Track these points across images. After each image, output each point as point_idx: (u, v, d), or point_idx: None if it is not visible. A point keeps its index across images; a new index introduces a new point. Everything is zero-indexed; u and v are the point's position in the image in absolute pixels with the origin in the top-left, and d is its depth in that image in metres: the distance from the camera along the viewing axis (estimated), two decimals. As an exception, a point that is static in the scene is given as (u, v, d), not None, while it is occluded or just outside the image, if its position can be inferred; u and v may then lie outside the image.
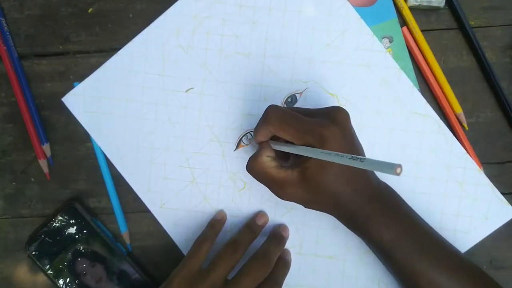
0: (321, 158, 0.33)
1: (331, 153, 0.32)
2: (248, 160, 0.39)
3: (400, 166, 0.25)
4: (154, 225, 0.46)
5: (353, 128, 0.39)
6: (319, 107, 0.39)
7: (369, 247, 0.40)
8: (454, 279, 0.38)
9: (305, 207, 0.39)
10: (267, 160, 0.38)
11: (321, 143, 0.35)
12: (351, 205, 0.37)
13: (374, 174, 0.40)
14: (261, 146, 0.39)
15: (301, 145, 0.36)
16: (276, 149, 0.39)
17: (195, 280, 0.39)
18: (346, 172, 0.36)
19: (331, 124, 0.36)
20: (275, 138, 0.40)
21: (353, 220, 0.38)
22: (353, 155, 0.29)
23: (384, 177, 0.43)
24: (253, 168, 0.39)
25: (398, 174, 0.25)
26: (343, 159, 0.30)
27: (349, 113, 0.38)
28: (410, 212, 0.40)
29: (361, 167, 0.28)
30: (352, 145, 0.37)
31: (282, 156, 0.41)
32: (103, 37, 0.45)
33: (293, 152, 0.37)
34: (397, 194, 0.41)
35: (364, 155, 0.39)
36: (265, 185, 0.39)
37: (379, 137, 0.45)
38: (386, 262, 0.40)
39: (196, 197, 0.45)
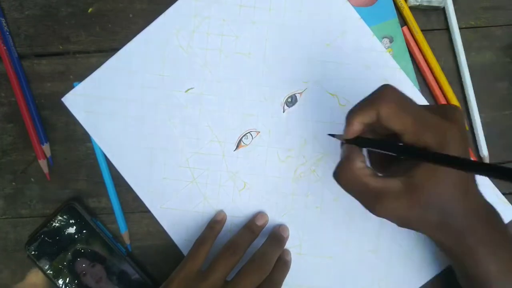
0: (439, 163, 0.26)
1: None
2: (337, 167, 0.32)
3: None
4: (154, 225, 0.46)
5: (466, 133, 0.33)
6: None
7: (464, 280, 0.35)
8: None
9: (399, 225, 0.32)
10: (362, 167, 0.31)
11: (441, 145, 0.29)
12: (461, 227, 0.31)
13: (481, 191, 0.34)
14: (349, 150, 0.32)
15: (412, 142, 0.29)
16: (369, 150, 0.33)
17: (194, 282, 0.38)
18: (460, 184, 0.30)
19: (453, 124, 0.30)
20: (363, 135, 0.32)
21: (459, 245, 0.32)
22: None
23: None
24: (344, 176, 0.31)
25: None
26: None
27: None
28: None
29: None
30: (468, 151, 0.32)
31: (377, 166, 0.34)
32: (103, 37, 0.45)
33: (390, 153, 0.30)
34: (500, 215, 0.34)
35: None
36: (356, 198, 0.32)
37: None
38: None
39: (196, 197, 0.45)
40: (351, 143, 0.32)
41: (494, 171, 0.23)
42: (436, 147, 0.29)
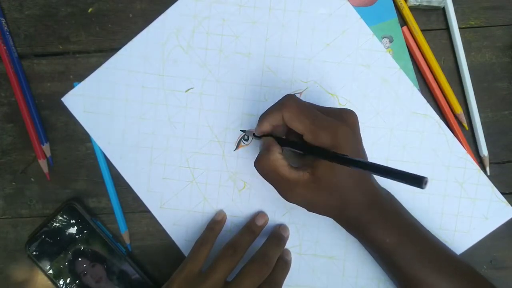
0: (338, 162, 0.32)
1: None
2: (258, 157, 0.37)
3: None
4: (154, 225, 0.46)
5: (360, 133, 0.38)
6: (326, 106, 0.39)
7: (369, 251, 0.40)
8: (453, 283, 0.38)
9: (308, 210, 0.38)
10: (279, 158, 0.36)
11: (333, 142, 0.34)
12: (356, 208, 0.37)
13: (375, 179, 0.40)
14: (269, 143, 0.37)
15: (311, 140, 0.35)
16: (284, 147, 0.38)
17: (195, 283, 0.38)
18: (355, 174, 0.36)
19: (346, 124, 0.36)
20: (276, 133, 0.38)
21: (355, 224, 0.38)
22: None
23: (384, 178, 0.43)
24: (264, 165, 0.37)
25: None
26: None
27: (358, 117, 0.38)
28: (410, 217, 0.40)
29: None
30: (360, 149, 0.37)
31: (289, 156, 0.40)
32: (103, 37, 0.45)
33: (299, 151, 0.36)
34: (396, 199, 0.41)
35: (367, 159, 0.39)
36: (273, 185, 0.38)
37: (379, 137, 0.45)
38: (386, 266, 0.40)
39: (196, 197, 0.45)
40: (258, 138, 0.39)
41: (371, 168, 0.28)
42: (329, 145, 0.34)
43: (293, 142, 0.37)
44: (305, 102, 0.37)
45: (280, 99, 0.37)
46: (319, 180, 0.35)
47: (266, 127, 0.37)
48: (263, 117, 0.37)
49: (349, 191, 0.36)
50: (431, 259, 0.38)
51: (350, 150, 0.35)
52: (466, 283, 0.38)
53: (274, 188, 0.38)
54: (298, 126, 0.35)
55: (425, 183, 0.24)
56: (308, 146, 0.36)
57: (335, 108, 0.38)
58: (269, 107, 0.37)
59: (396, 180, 0.26)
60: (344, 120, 0.36)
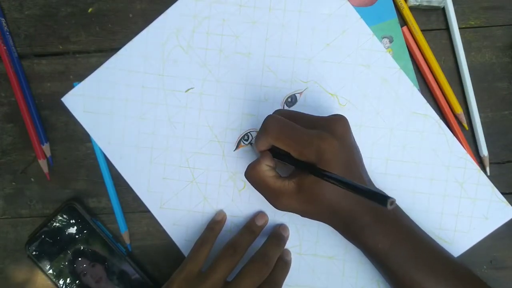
0: (318, 176, 0.33)
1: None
2: (247, 167, 0.39)
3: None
4: (153, 225, 0.46)
5: (353, 139, 0.38)
6: (321, 111, 0.39)
7: (366, 256, 0.40)
8: (449, 287, 0.37)
9: (302, 216, 0.39)
10: (266, 169, 0.38)
11: (318, 156, 0.35)
12: (348, 215, 0.37)
13: (372, 184, 0.40)
14: (261, 154, 0.40)
15: (297, 156, 0.36)
16: (276, 159, 0.39)
17: (195, 283, 0.39)
18: None
19: (330, 136, 0.36)
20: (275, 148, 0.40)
21: (349, 230, 0.38)
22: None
23: (384, 178, 0.43)
24: (251, 175, 0.39)
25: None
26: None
27: (349, 123, 0.38)
28: (406, 220, 0.40)
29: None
30: (350, 159, 0.37)
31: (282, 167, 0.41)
32: (103, 37, 0.45)
33: (291, 165, 0.37)
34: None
35: (363, 165, 0.39)
36: (261, 194, 0.39)
37: (379, 137, 0.45)
38: (382, 270, 0.39)
39: (196, 197, 0.45)
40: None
41: (352, 188, 0.28)
42: (314, 160, 0.35)
43: (283, 155, 0.38)
44: (289, 114, 0.38)
45: (263, 122, 0.38)
46: (305, 191, 0.36)
47: (262, 149, 0.39)
48: (255, 142, 0.40)
49: (337, 200, 0.36)
50: (426, 262, 0.38)
51: (336, 162, 0.35)
52: (463, 286, 0.38)
53: (264, 197, 0.39)
54: (282, 146, 0.37)
55: (391, 204, 0.25)
56: (292, 160, 0.37)
57: (324, 117, 0.38)
58: (257, 132, 0.39)
59: (367, 198, 0.27)
60: (332, 130, 0.36)
